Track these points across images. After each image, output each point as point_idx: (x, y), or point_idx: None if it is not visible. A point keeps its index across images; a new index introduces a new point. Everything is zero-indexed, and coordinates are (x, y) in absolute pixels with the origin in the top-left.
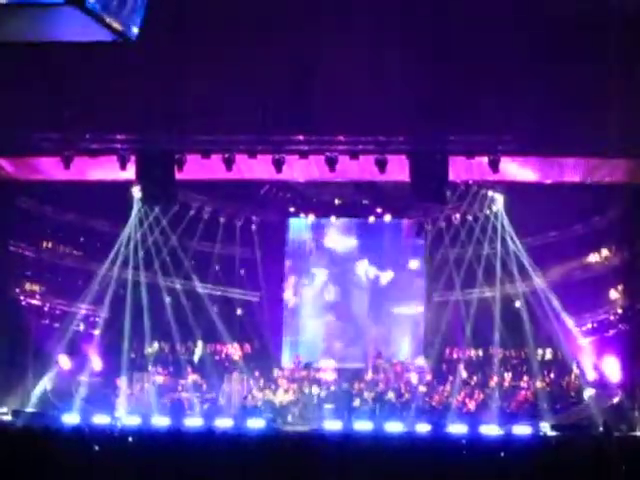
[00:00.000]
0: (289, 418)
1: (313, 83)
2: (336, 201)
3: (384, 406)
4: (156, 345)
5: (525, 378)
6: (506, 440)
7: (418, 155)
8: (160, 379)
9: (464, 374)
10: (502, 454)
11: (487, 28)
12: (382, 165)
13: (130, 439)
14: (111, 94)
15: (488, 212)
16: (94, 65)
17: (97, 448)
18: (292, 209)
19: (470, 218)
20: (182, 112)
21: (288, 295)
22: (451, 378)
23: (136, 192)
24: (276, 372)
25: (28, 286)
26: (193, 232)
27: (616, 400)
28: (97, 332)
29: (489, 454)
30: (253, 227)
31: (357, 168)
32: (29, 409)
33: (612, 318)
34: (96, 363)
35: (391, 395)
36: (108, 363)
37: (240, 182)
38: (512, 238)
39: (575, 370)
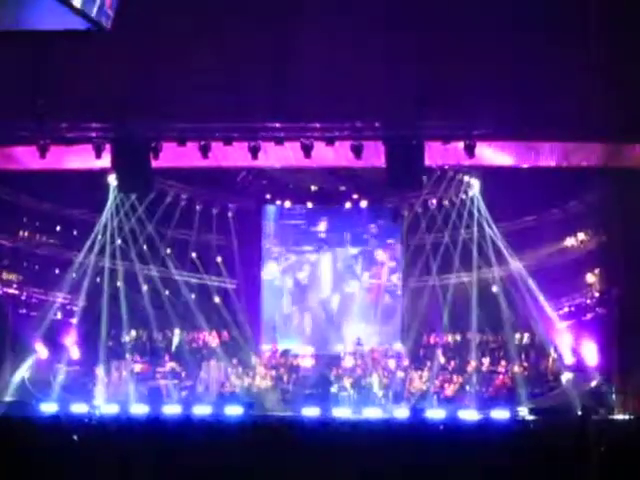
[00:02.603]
0: (267, 405)
1: (288, 69)
2: (312, 187)
3: (362, 392)
4: (134, 333)
5: (503, 363)
6: (484, 425)
7: (394, 140)
8: (138, 367)
9: (442, 359)
10: (481, 439)
11: (464, 15)
12: (358, 151)
13: (108, 427)
14: (86, 83)
15: (464, 197)
16: (68, 54)
17: (75, 437)
18: (268, 196)
19: (446, 203)
20: (157, 100)
21: (266, 280)
22: (429, 363)
23: (112, 180)
24: (254, 359)
25: (5, 275)
26: (169, 220)
27: (594, 383)
28: (74, 321)
29: (468, 439)
30: (230, 214)
31: (333, 154)
32: (7, 398)
33: (589, 302)
34: (74, 352)
35: (375, 380)
36: (86, 352)
37: (216, 169)
38: (488, 223)
39: (553, 354)
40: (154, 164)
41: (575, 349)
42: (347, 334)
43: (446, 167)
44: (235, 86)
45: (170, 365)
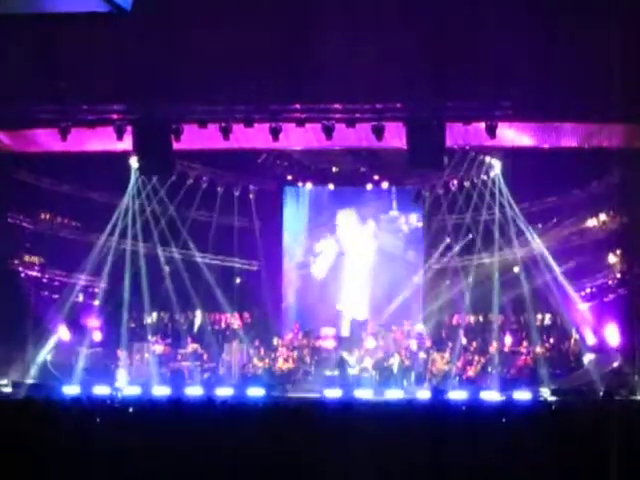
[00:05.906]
0: (289, 386)
1: (309, 51)
2: (333, 169)
3: (384, 373)
4: (155, 315)
5: (525, 344)
6: (506, 406)
7: (415, 122)
8: (160, 349)
9: (464, 340)
10: (503, 420)
11: None
12: (379, 132)
13: (131, 409)
14: (107, 65)
15: (486, 178)
16: (90, 36)
17: (98, 419)
18: (289, 177)
19: (468, 184)
20: (178, 82)
21: (288, 261)
22: (451, 345)
23: (133, 162)
24: (276, 341)
25: (27, 258)
26: (191, 202)
27: (616, 364)
28: (96, 303)
29: (490, 420)
30: (251, 196)
31: (354, 136)
32: (29, 381)
33: (611, 283)
34: (96, 334)
35: (396, 361)
36: (108, 334)
37: (237, 151)
38: (510, 204)
39: (575, 335)
40: (175, 146)
41: (597, 330)
42: (369, 315)
43: (467, 148)
44: (256, 68)
45: (192, 347)
